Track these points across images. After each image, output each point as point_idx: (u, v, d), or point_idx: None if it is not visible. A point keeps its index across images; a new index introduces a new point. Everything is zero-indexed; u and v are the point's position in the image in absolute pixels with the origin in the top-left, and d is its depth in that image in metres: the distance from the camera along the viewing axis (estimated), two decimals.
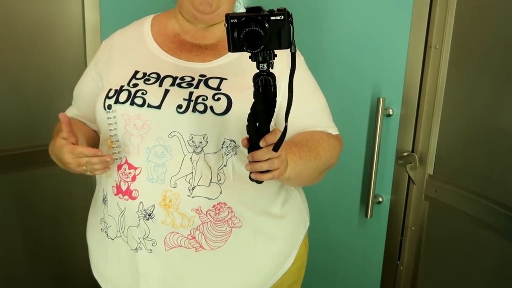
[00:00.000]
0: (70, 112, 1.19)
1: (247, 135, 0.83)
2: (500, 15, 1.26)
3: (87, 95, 1.12)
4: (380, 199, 1.57)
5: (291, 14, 0.77)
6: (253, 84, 0.79)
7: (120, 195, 0.99)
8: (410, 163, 1.50)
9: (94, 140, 1.13)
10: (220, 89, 0.98)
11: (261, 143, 0.81)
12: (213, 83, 0.99)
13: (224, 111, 0.95)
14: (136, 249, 1.00)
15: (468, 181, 1.37)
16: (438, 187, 1.45)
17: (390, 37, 1.48)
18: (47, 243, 1.72)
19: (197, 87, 0.98)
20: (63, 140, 0.95)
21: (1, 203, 1.61)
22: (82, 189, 1.65)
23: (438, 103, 1.42)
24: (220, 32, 1.07)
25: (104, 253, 1.07)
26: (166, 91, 0.98)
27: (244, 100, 0.84)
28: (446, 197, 1.43)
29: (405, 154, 1.51)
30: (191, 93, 0.97)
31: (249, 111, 0.81)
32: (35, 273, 1.72)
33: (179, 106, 0.96)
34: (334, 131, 1.11)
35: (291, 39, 0.77)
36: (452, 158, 1.42)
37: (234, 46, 0.78)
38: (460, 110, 1.38)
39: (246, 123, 0.82)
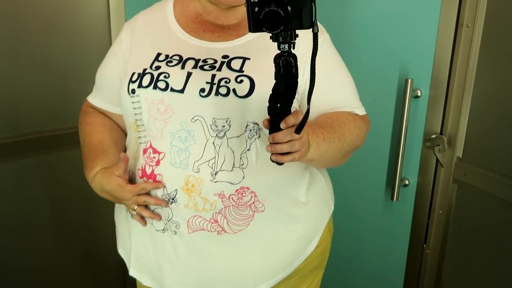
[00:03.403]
0: (93, 100, 1.17)
1: (268, 116, 0.82)
2: None
3: (112, 77, 1.11)
4: (407, 182, 1.55)
5: None
6: (274, 65, 0.77)
7: (145, 178, 1.00)
8: (438, 145, 1.46)
9: (120, 142, 1.14)
10: (242, 71, 0.97)
11: (282, 125, 0.80)
12: (236, 64, 0.98)
13: (247, 93, 0.94)
14: (163, 229, 1.01)
15: (499, 164, 1.33)
16: (467, 170, 1.42)
17: (419, 14, 1.42)
18: (75, 224, 1.76)
19: (219, 69, 0.97)
20: (119, 179, 0.99)
21: (32, 185, 1.64)
22: None
23: (469, 84, 1.37)
24: (243, 12, 1.05)
25: (130, 233, 1.09)
26: (189, 74, 0.97)
27: (267, 82, 0.83)
28: (476, 180, 1.40)
29: (433, 136, 1.47)
30: (213, 76, 0.96)
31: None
32: (65, 253, 1.76)
33: (202, 90, 0.96)
34: (361, 111, 1.08)
35: (313, 19, 0.75)
36: (482, 140, 1.38)
37: (254, 26, 0.76)
38: (492, 91, 1.33)
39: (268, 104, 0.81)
